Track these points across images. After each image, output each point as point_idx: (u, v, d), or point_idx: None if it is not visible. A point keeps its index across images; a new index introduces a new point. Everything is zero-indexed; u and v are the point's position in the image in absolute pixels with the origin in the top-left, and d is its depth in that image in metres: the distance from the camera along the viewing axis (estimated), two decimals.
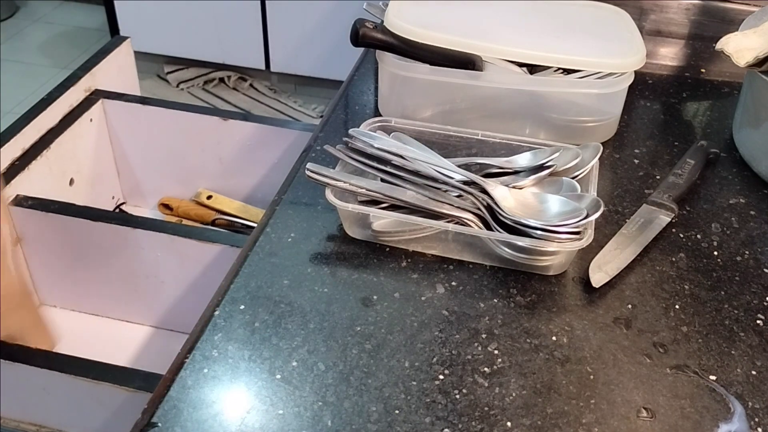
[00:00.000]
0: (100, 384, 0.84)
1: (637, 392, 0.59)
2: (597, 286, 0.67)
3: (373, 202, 0.71)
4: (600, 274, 0.68)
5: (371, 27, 0.81)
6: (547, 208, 0.69)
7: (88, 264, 1.10)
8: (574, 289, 0.68)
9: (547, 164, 0.73)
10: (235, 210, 1.32)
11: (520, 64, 0.84)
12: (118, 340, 1.13)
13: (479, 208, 0.69)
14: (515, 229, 0.67)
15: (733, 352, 0.63)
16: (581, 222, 0.65)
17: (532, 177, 0.73)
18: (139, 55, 1.55)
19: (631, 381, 0.60)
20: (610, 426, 0.56)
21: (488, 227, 0.68)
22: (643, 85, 0.97)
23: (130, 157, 1.34)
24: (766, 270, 0.71)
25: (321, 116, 1.55)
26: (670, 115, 0.93)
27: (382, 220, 0.71)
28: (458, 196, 0.71)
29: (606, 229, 0.74)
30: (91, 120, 1.25)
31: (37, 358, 0.87)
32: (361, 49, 1.02)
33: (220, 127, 1.25)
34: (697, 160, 0.82)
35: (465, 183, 0.71)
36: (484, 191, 0.70)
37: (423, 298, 0.66)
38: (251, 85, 2.35)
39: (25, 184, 1.10)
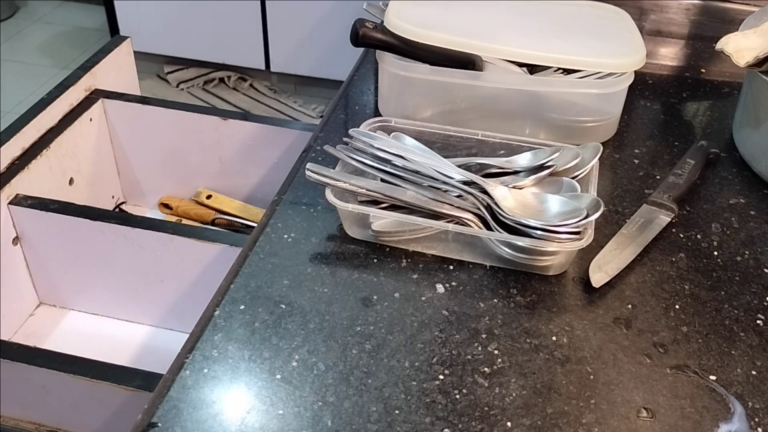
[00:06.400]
0: (100, 383, 0.84)
1: (637, 392, 0.59)
2: (597, 286, 0.67)
3: (373, 202, 0.71)
4: (600, 274, 0.68)
5: (371, 27, 0.81)
6: (547, 208, 0.69)
7: (88, 264, 1.10)
8: (574, 289, 0.68)
9: (547, 164, 0.73)
10: (235, 210, 1.32)
11: (520, 64, 0.84)
12: (118, 339, 1.13)
13: (479, 208, 0.69)
14: (515, 229, 0.67)
15: (733, 352, 0.63)
16: (581, 222, 0.65)
17: (532, 177, 0.73)
18: (139, 55, 1.55)
19: (631, 381, 0.60)
20: (610, 426, 0.56)
21: (488, 227, 0.68)
22: (643, 85, 0.97)
23: (130, 157, 1.34)
24: (766, 270, 0.71)
25: (321, 116, 1.55)
26: (670, 115, 0.93)
27: (382, 220, 0.70)
28: (458, 196, 0.71)
29: (606, 229, 0.74)
30: (91, 120, 1.25)
31: (37, 358, 0.87)
32: (361, 49, 1.02)
33: (220, 127, 1.25)
34: (697, 160, 0.82)
35: (465, 183, 0.71)
36: (484, 191, 0.70)
37: (423, 298, 0.66)
38: (251, 85, 2.35)
39: (24, 183, 1.10)
